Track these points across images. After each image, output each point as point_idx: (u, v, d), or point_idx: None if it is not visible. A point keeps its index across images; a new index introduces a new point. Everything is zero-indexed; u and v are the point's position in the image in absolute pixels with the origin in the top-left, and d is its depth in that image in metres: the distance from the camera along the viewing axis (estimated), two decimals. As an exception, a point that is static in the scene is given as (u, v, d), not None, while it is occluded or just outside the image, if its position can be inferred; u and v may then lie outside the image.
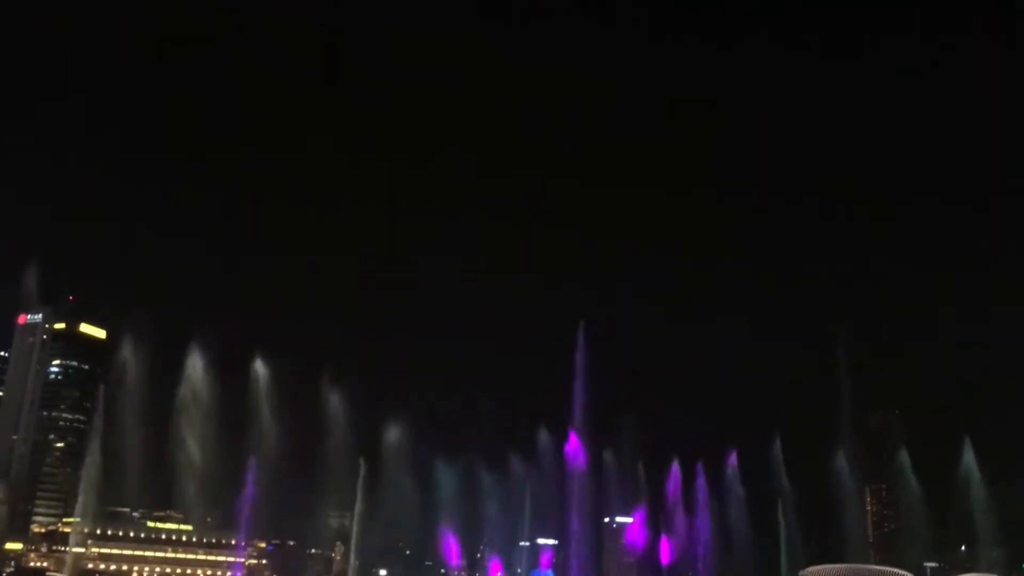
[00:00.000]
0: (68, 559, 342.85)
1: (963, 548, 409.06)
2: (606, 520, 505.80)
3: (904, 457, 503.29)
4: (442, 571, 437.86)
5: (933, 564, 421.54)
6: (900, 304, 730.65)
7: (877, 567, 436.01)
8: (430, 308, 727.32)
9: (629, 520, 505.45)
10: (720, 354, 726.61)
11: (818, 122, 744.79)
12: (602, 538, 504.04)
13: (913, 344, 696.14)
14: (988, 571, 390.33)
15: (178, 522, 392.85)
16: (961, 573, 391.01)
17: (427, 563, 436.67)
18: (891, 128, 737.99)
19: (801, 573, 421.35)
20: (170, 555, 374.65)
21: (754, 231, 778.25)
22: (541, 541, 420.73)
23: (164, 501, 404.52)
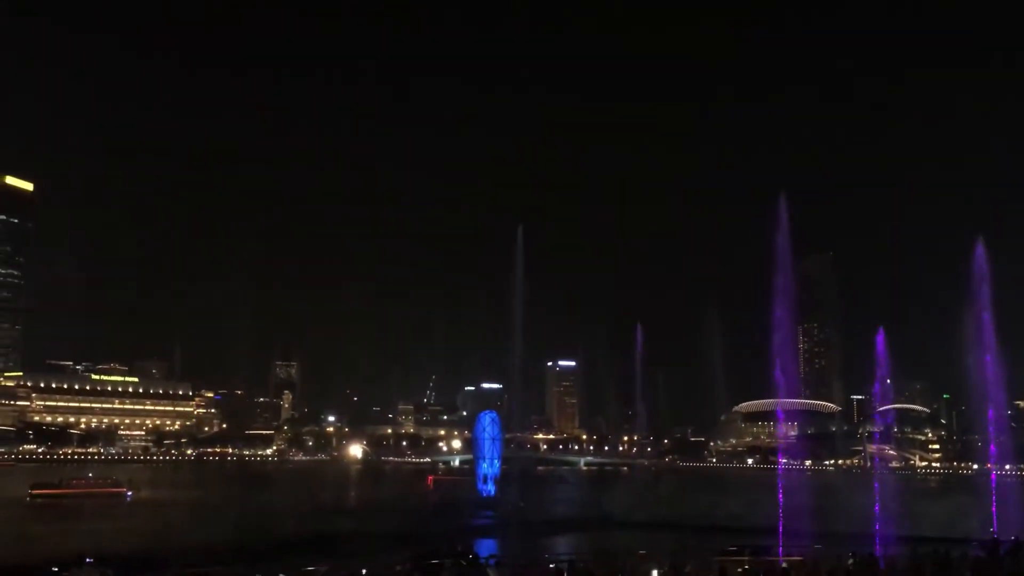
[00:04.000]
0: (13, 412, 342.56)
1: (888, 381, 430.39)
2: (549, 364, 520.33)
3: (836, 297, 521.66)
4: (389, 416, 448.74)
5: (859, 397, 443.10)
6: (836, 157, 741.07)
7: (805, 401, 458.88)
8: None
9: (571, 363, 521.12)
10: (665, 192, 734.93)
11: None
12: (546, 381, 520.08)
13: (847, 192, 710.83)
14: (910, 402, 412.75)
15: (123, 374, 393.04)
16: (885, 405, 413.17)
17: (375, 409, 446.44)
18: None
19: (735, 408, 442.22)
20: (117, 406, 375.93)
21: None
22: (486, 385, 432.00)
23: (107, 354, 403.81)
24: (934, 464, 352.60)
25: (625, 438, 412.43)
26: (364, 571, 24.62)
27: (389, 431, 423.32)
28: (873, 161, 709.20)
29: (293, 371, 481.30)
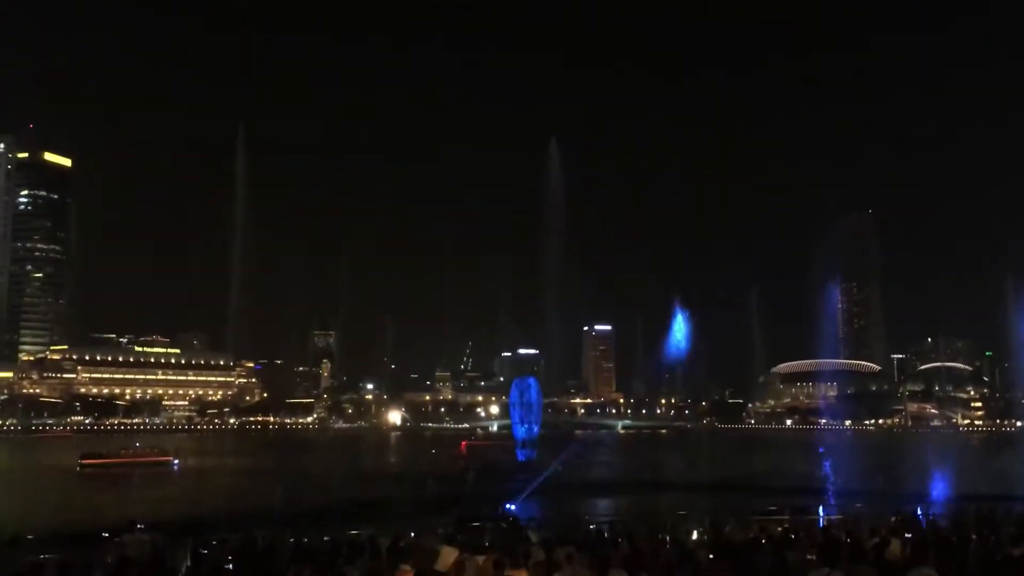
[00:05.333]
0: (60, 384, 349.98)
1: (929, 340, 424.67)
2: (585, 328, 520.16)
3: (875, 256, 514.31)
4: (427, 383, 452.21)
5: (900, 356, 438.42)
6: (876, 113, 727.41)
7: (844, 361, 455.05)
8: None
9: (607, 327, 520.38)
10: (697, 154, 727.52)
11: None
12: (582, 345, 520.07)
13: (886, 149, 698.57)
14: (952, 360, 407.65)
15: (165, 346, 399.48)
16: (926, 364, 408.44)
17: (412, 376, 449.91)
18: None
19: (774, 370, 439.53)
20: (160, 377, 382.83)
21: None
22: (523, 351, 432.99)
23: (149, 326, 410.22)
24: (976, 422, 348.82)
25: (663, 401, 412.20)
26: (412, 534, 25.04)
27: (427, 398, 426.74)
28: (914, 115, 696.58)
29: (331, 340, 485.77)
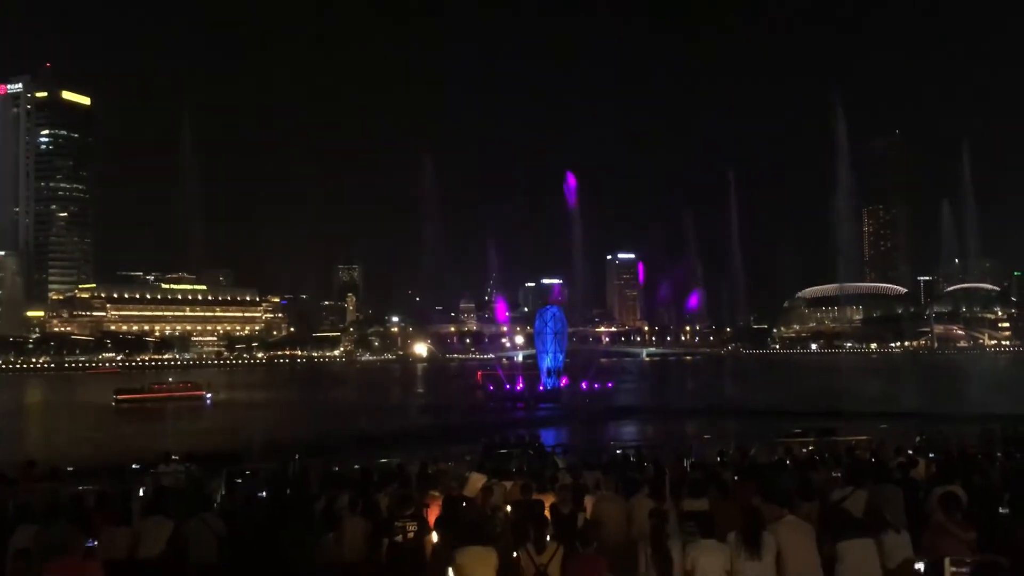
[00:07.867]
0: (90, 322, 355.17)
1: (956, 261, 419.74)
2: (608, 257, 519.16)
3: (902, 178, 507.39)
4: (451, 314, 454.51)
5: (927, 278, 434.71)
6: (896, 32, 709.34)
7: (870, 284, 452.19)
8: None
9: (631, 255, 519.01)
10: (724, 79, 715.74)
11: None
12: (606, 274, 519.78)
13: (911, 69, 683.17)
14: (979, 281, 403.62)
15: (191, 283, 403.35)
16: (954, 285, 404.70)
17: (437, 308, 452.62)
18: None
19: (799, 295, 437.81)
20: (188, 313, 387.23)
21: None
22: (546, 280, 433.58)
23: (175, 263, 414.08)
24: (1004, 342, 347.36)
25: (687, 328, 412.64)
26: (440, 462, 25.44)
27: (452, 329, 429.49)
28: (943, 37, 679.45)
29: (355, 274, 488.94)
